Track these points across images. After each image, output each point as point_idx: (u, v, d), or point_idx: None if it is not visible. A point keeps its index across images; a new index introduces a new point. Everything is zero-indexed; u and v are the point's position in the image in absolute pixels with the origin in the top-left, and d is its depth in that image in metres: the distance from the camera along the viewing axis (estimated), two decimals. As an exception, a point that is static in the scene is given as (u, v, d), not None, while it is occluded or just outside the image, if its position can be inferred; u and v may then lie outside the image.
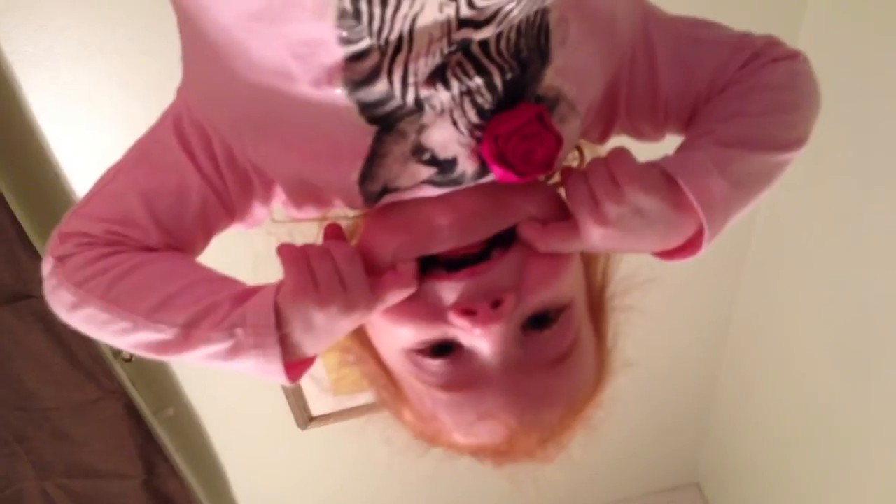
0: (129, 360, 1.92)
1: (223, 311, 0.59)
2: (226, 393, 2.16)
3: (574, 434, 0.69)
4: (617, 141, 0.70)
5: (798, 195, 1.93)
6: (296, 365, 0.62)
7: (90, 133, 1.58)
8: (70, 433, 1.94)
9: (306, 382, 2.34)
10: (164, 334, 0.59)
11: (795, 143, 0.65)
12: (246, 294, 0.61)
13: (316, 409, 2.25)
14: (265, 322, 0.58)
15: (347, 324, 0.60)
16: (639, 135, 0.73)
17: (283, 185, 0.65)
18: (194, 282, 0.62)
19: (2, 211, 1.52)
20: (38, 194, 1.63)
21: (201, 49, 0.60)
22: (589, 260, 0.70)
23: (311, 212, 0.68)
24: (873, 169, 1.64)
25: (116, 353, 1.89)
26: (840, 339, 1.89)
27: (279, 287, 0.60)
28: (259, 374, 0.61)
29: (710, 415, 2.75)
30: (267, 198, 0.67)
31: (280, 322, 0.58)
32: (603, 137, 0.72)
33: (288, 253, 0.60)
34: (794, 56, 0.69)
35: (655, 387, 2.56)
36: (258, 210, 0.68)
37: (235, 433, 2.31)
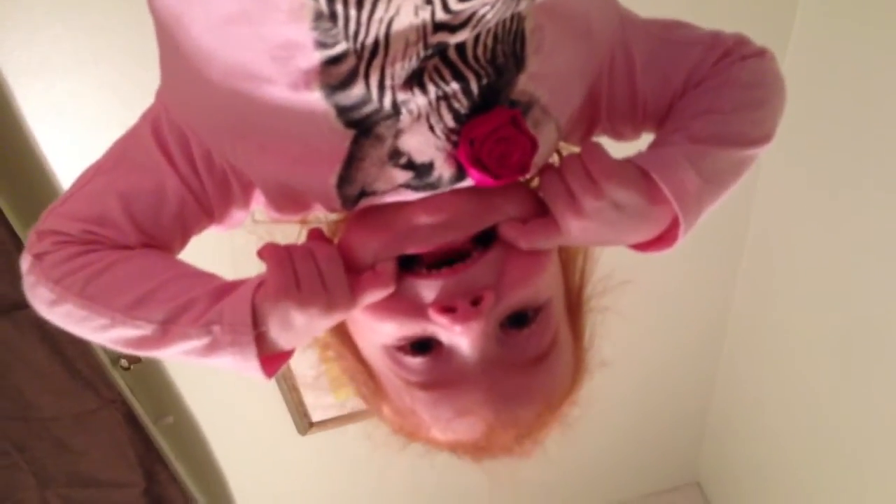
0: (128, 368, 1.92)
1: (200, 307, 0.60)
2: (225, 400, 2.16)
3: (550, 431, 0.70)
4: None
5: (792, 192, 1.94)
6: (272, 360, 0.63)
7: (85, 142, 1.58)
8: (70, 443, 1.94)
9: (306, 387, 2.33)
10: (142, 330, 0.60)
11: (763, 138, 0.67)
12: (223, 290, 0.62)
13: (316, 414, 2.25)
14: (242, 320, 0.58)
15: (325, 323, 0.61)
16: (618, 136, 0.74)
17: (261, 187, 0.65)
18: (172, 277, 0.62)
19: (-2, 221, 1.53)
20: (34, 204, 1.63)
21: (178, 54, 0.60)
22: (567, 261, 0.71)
23: (290, 214, 0.68)
24: (865, 171, 1.65)
25: (115, 361, 1.89)
26: (838, 335, 1.89)
27: (258, 285, 0.60)
28: (235, 370, 0.61)
29: (708, 413, 2.76)
30: (245, 200, 0.67)
31: (257, 320, 0.59)
32: (584, 140, 0.73)
33: (272, 252, 0.61)
34: (761, 53, 0.71)
35: (654, 387, 2.56)
36: (237, 212, 0.69)
37: (235, 440, 2.31)
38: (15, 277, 1.82)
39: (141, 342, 0.60)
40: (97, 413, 1.90)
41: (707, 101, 0.67)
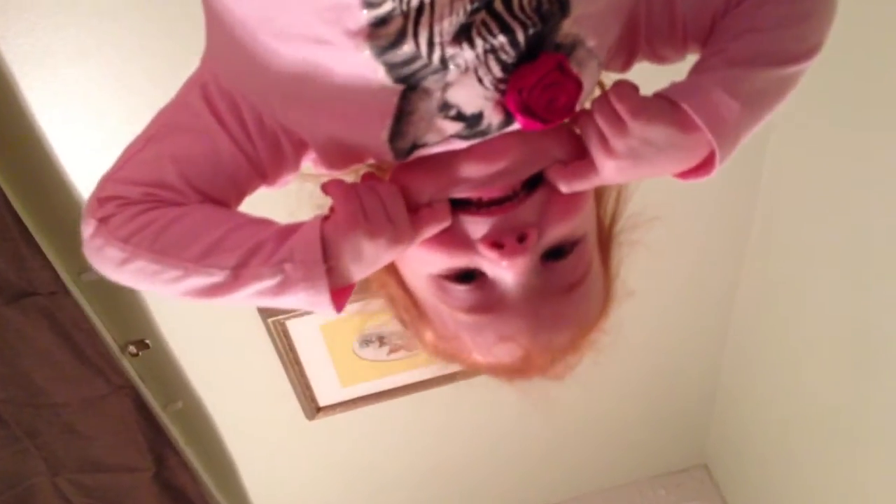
0: (137, 355, 1.93)
1: (269, 248, 0.63)
2: (234, 385, 2.17)
3: (582, 355, 0.76)
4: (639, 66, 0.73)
5: (802, 168, 1.92)
6: (339, 293, 0.66)
7: (90, 129, 1.58)
8: (80, 428, 1.95)
9: (313, 372, 2.34)
10: (216, 277, 0.62)
11: (807, 53, 0.66)
12: (288, 230, 0.65)
13: (323, 399, 2.26)
14: (313, 256, 0.62)
15: (390, 255, 0.65)
16: (660, 59, 0.74)
17: (314, 146, 0.68)
18: (237, 225, 0.65)
19: (4, 209, 1.53)
20: (39, 192, 1.64)
21: (225, 22, 0.62)
22: (599, 199, 0.76)
23: (342, 169, 0.71)
24: (882, 153, 1.64)
25: (123, 348, 1.90)
26: (847, 320, 1.89)
27: (324, 220, 0.64)
28: (307, 306, 0.64)
29: (716, 396, 2.76)
30: (296, 159, 0.70)
31: (327, 254, 0.62)
32: (626, 66, 0.75)
33: (338, 187, 0.65)
34: None
35: (661, 370, 2.57)
36: (287, 172, 0.71)
37: (244, 425, 2.33)
38: (21, 265, 1.83)
39: (214, 289, 0.63)
40: (107, 399, 1.91)
41: (747, 20, 0.66)
